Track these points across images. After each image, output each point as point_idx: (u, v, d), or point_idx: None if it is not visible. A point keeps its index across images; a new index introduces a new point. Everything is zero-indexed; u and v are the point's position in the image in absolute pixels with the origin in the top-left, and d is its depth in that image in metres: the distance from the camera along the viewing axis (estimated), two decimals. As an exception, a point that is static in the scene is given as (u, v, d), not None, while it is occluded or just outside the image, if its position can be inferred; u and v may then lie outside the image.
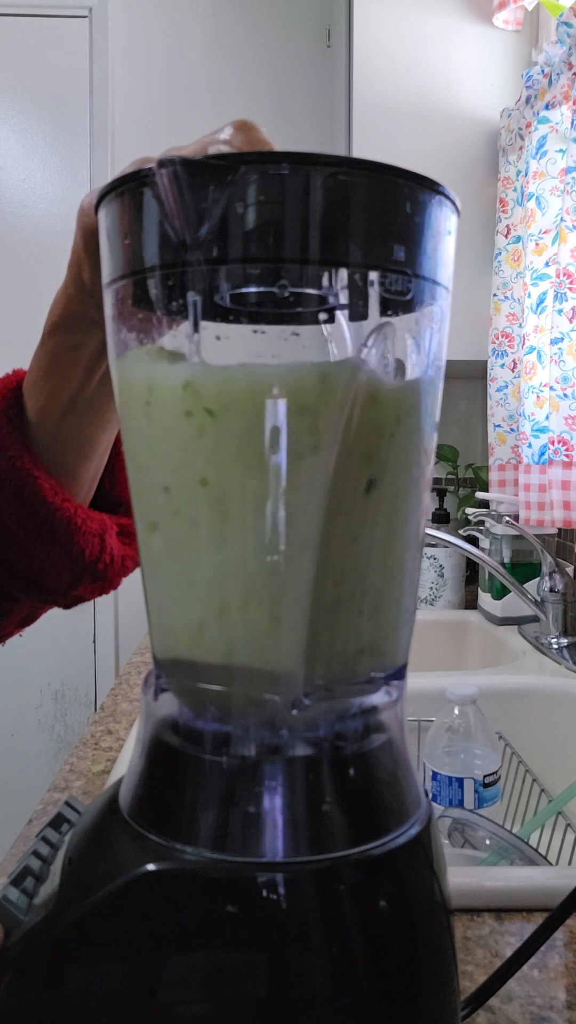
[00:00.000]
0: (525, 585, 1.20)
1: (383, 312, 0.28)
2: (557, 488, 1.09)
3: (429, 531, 1.10)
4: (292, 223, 0.26)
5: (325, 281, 0.27)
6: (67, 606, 0.50)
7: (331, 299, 0.27)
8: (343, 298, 0.27)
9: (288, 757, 0.29)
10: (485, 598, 1.37)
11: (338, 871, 0.27)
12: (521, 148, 1.33)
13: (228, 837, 0.28)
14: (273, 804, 0.28)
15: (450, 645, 1.43)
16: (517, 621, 1.29)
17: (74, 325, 0.42)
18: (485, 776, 0.78)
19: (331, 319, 0.30)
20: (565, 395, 1.08)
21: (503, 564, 1.31)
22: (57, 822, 0.35)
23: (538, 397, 1.21)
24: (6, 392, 0.45)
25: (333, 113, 1.73)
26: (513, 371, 1.37)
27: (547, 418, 1.17)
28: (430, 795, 0.80)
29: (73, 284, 0.41)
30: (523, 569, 1.29)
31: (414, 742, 0.89)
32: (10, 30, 1.82)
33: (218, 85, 1.85)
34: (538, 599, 1.17)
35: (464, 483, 1.72)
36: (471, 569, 1.54)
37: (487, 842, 0.68)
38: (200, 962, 0.27)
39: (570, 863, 0.74)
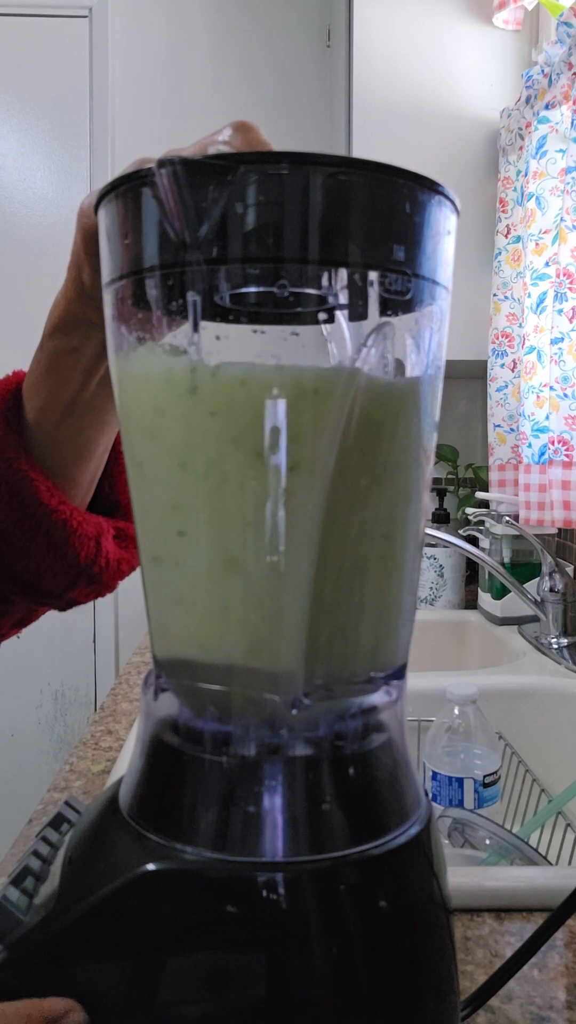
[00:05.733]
0: (525, 585, 1.20)
1: (383, 312, 0.28)
2: (557, 488, 1.09)
3: (429, 531, 1.10)
4: (292, 223, 0.26)
5: (325, 281, 0.27)
6: (62, 608, 0.50)
7: (331, 299, 0.27)
8: (343, 298, 0.27)
9: (288, 757, 0.29)
10: (485, 598, 1.37)
11: (338, 871, 0.27)
12: (521, 148, 1.33)
13: (228, 837, 0.28)
14: (273, 804, 0.28)
15: (450, 645, 1.43)
16: (517, 621, 1.29)
17: (73, 327, 0.42)
18: (485, 776, 0.78)
19: (331, 319, 0.30)
20: (565, 395, 1.08)
21: (503, 564, 1.31)
22: (57, 822, 0.35)
23: (538, 397, 1.21)
24: (5, 394, 0.45)
25: (333, 113, 1.73)
26: (513, 371, 1.37)
27: (547, 418, 1.17)
28: (430, 795, 0.80)
29: (73, 286, 0.41)
30: (523, 569, 1.29)
31: (414, 742, 0.89)
32: (10, 30, 1.82)
33: (218, 85, 1.85)
34: (538, 599, 1.17)
35: (464, 483, 1.72)
36: (471, 569, 1.54)
37: (487, 842, 0.68)
38: (200, 962, 0.27)
39: (570, 863, 0.74)
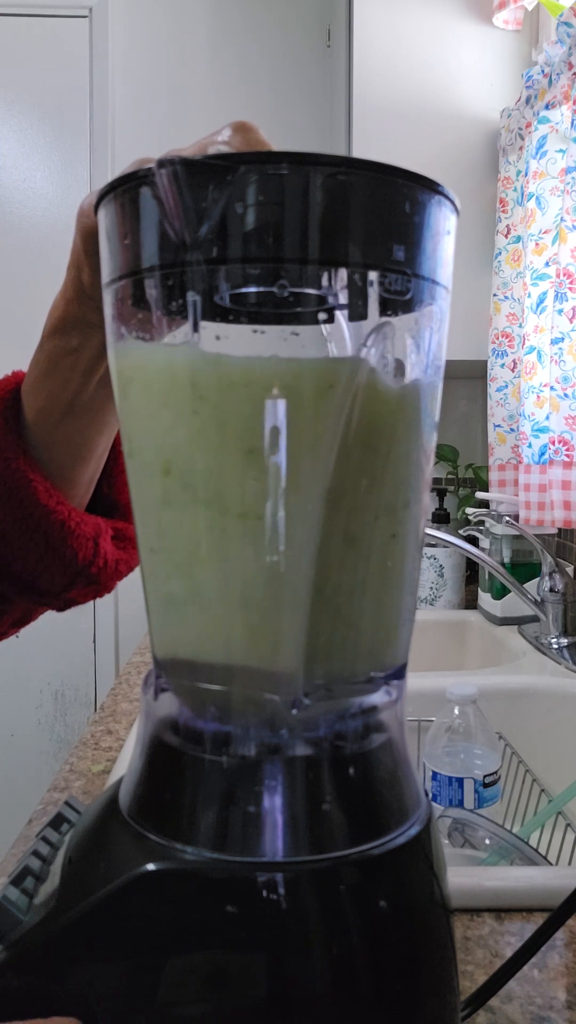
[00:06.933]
0: (525, 585, 1.20)
1: (382, 312, 0.28)
2: (557, 488, 1.09)
3: (429, 531, 1.10)
4: (291, 223, 0.26)
5: (324, 281, 0.27)
6: (60, 608, 0.50)
7: (330, 299, 0.27)
8: (342, 298, 0.27)
9: (288, 757, 0.29)
10: (485, 598, 1.37)
11: (338, 871, 0.27)
12: (521, 148, 1.33)
13: (228, 837, 0.28)
14: (273, 804, 0.28)
15: (450, 645, 1.43)
16: (517, 621, 1.29)
17: (73, 328, 0.42)
18: (485, 776, 0.78)
19: (331, 319, 0.30)
20: (565, 395, 1.08)
21: (503, 564, 1.31)
22: (57, 822, 0.35)
23: (538, 397, 1.21)
24: (4, 394, 0.45)
25: (333, 113, 1.73)
26: (513, 371, 1.37)
27: (547, 418, 1.17)
28: (430, 795, 0.80)
29: (72, 287, 0.41)
30: (523, 569, 1.29)
31: (414, 742, 0.89)
32: (10, 30, 1.82)
33: (218, 85, 1.85)
34: (538, 599, 1.17)
35: (464, 483, 1.72)
36: (471, 569, 1.54)
37: (487, 842, 0.68)
38: (200, 962, 0.27)
39: (570, 863, 0.74)
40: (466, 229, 1.42)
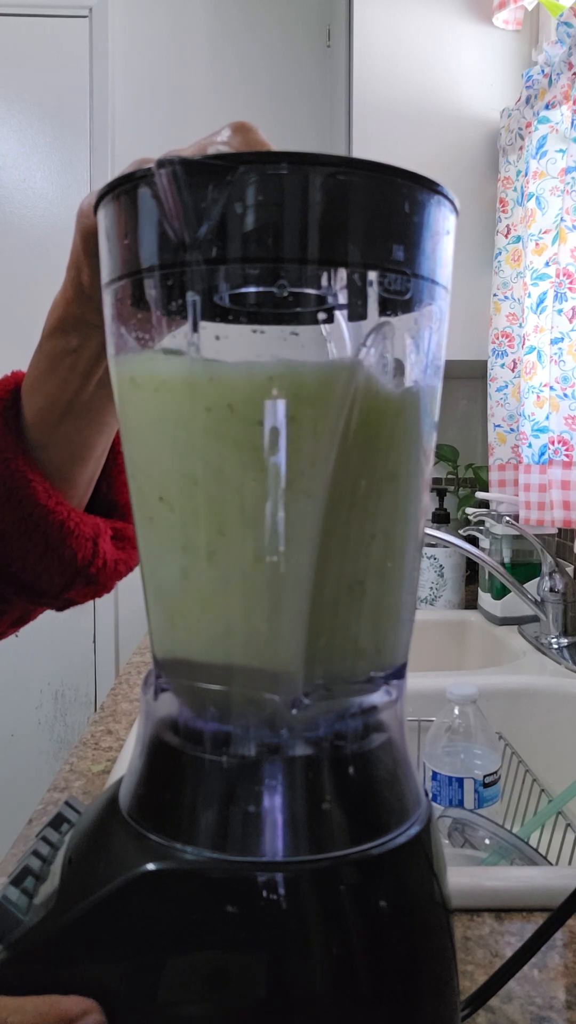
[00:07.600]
0: (525, 585, 1.20)
1: (382, 312, 0.28)
2: (557, 488, 1.09)
3: (429, 531, 1.10)
4: (291, 223, 0.26)
5: (324, 281, 0.27)
6: (59, 608, 0.50)
7: (330, 299, 0.27)
8: (342, 298, 0.27)
9: (288, 756, 0.29)
10: (485, 598, 1.37)
11: (338, 871, 0.27)
12: (521, 148, 1.33)
13: (228, 837, 0.28)
14: (273, 803, 0.28)
15: (450, 645, 1.43)
16: (517, 621, 1.29)
17: (72, 328, 0.42)
18: (485, 776, 0.78)
19: (330, 319, 0.30)
20: (565, 395, 1.08)
21: (503, 564, 1.31)
22: (57, 822, 0.35)
23: (538, 397, 1.21)
24: (4, 394, 0.45)
25: (333, 113, 1.73)
26: (513, 371, 1.37)
27: (547, 418, 1.17)
28: (430, 795, 0.80)
29: (72, 287, 0.41)
30: (523, 569, 1.29)
31: (414, 742, 0.89)
32: (10, 30, 1.82)
33: (218, 85, 1.85)
34: (538, 599, 1.17)
35: (464, 483, 1.72)
36: (471, 569, 1.54)
37: (487, 842, 0.68)
38: (200, 962, 0.27)
39: (570, 863, 0.74)
40: (466, 229, 1.43)
